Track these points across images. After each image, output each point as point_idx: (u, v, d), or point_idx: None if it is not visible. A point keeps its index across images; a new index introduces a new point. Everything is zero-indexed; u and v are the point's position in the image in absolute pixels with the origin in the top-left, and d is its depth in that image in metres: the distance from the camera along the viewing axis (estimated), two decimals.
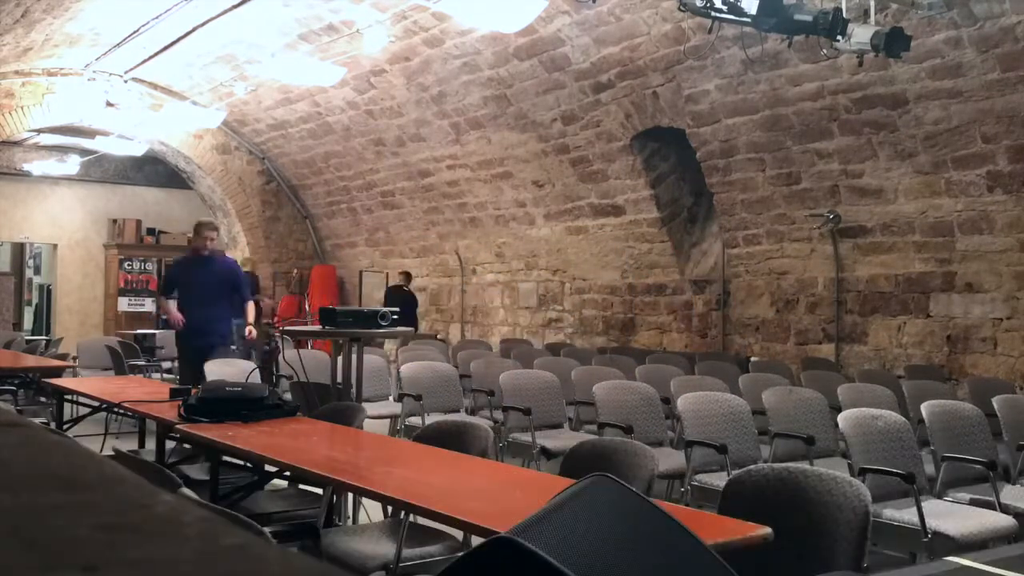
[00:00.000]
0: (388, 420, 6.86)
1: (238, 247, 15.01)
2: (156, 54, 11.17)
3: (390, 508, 3.91)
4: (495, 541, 1.37)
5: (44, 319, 16.26)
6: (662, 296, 10.07)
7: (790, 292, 8.84)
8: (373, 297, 13.78)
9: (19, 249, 16.54)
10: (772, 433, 5.13)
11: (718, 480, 4.43)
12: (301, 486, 4.29)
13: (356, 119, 11.96)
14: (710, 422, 4.89)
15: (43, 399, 6.88)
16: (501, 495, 3.01)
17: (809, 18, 5.26)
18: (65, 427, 5.50)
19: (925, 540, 3.81)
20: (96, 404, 5.37)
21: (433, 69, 10.00)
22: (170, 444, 4.47)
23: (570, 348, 9.85)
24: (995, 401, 5.28)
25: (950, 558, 2.47)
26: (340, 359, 5.40)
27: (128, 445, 5.48)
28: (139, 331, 13.69)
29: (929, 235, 7.68)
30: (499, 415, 6.26)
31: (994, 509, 4.20)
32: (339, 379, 5.38)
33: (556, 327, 11.33)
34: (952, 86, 6.82)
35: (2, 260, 16.49)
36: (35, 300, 16.62)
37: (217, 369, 6.09)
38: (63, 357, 8.97)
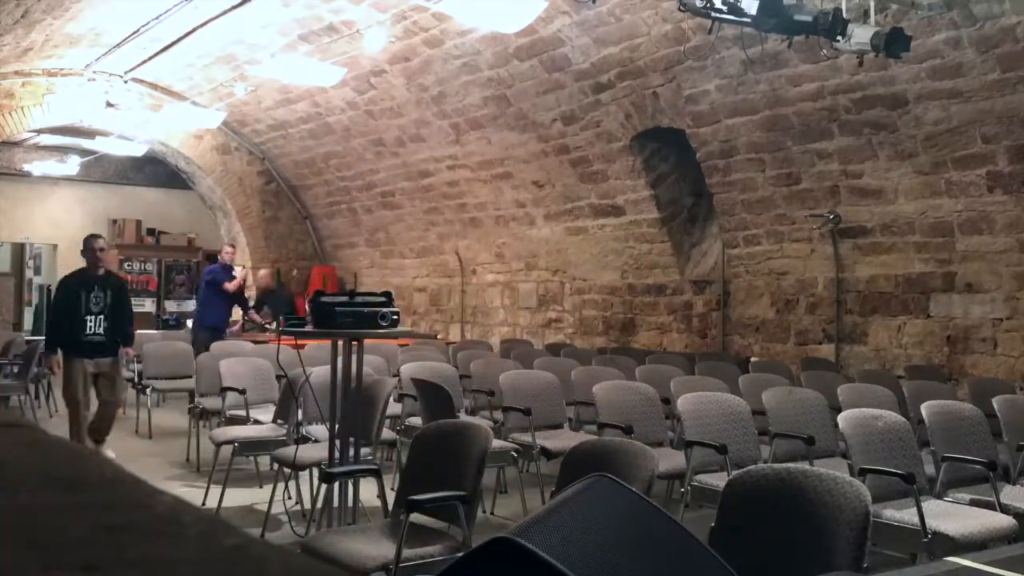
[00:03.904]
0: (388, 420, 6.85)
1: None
2: (156, 54, 11.16)
3: (390, 508, 3.92)
4: (495, 541, 1.37)
5: (44, 319, 16.24)
6: (662, 296, 10.06)
7: (790, 292, 8.84)
8: None
9: (19, 249, 16.54)
10: (772, 433, 5.13)
11: (718, 480, 4.43)
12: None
13: (356, 119, 11.95)
14: (710, 422, 4.89)
15: None
16: None
17: (809, 18, 5.26)
18: None
19: (925, 540, 3.81)
20: None
21: (433, 69, 10.00)
22: None
23: (570, 348, 9.84)
24: (995, 401, 5.28)
25: (950, 558, 2.47)
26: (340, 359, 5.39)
27: None
28: (139, 331, 13.69)
29: (929, 235, 7.68)
30: (499, 415, 6.25)
31: (994, 509, 4.20)
32: (339, 377, 5.36)
33: (556, 327, 11.32)
34: (952, 86, 6.82)
35: (2, 260, 16.49)
36: (35, 300, 16.61)
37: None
38: None
